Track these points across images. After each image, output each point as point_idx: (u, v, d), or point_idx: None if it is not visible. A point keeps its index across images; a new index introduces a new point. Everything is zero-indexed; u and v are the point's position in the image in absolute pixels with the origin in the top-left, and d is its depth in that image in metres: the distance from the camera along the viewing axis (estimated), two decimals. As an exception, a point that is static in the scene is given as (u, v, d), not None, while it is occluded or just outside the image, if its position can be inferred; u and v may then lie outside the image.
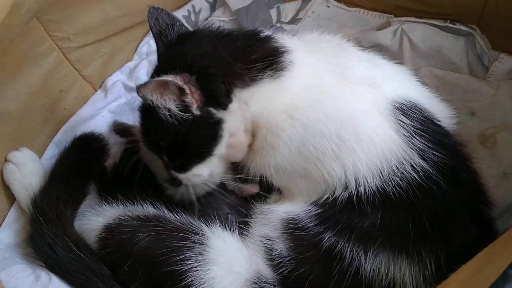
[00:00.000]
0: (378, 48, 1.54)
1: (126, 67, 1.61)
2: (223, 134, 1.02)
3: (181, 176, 1.07)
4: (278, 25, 1.67)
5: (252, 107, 1.00)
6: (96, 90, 1.55)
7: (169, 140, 1.04)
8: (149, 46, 1.67)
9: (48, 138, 1.39)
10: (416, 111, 0.99)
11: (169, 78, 0.93)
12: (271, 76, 0.99)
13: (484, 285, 0.57)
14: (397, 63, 1.14)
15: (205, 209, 1.10)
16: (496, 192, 1.10)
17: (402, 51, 1.51)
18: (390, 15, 1.63)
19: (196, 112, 0.99)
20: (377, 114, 0.97)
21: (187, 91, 0.96)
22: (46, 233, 1.04)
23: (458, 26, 1.48)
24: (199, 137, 1.02)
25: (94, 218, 1.07)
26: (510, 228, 0.97)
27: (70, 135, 1.38)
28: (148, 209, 1.05)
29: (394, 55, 1.50)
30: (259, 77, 0.99)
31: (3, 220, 1.21)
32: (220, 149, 1.03)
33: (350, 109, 0.97)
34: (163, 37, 1.10)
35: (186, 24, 1.15)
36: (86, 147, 1.26)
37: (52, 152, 1.37)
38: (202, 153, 1.03)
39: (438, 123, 1.02)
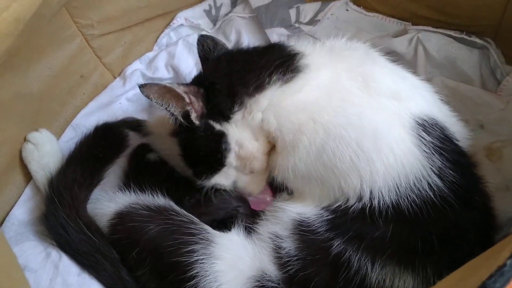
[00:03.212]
0: (393, 54, 1.54)
1: (145, 57, 1.64)
2: (229, 147, 1.08)
3: (204, 185, 1.13)
4: (297, 25, 1.69)
5: (259, 114, 1.03)
6: (115, 78, 1.59)
7: (184, 147, 1.13)
8: (169, 37, 1.71)
9: (66, 121, 1.43)
10: (437, 129, 1.00)
11: (171, 85, 1.01)
12: (279, 79, 1.01)
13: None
14: (411, 71, 1.14)
15: (213, 205, 1.13)
16: (498, 205, 1.10)
17: (416, 59, 1.52)
18: (408, 22, 1.63)
19: (196, 121, 1.06)
20: (400, 127, 0.97)
21: (187, 100, 1.03)
22: (60, 214, 1.08)
23: (474, 39, 1.49)
24: (204, 146, 1.09)
25: (107, 203, 1.11)
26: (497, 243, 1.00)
27: (87, 120, 1.44)
28: (158, 201, 1.09)
29: (408, 63, 1.52)
30: (266, 82, 1.02)
31: (19, 197, 1.25)
32: (230, 161, 1.10)
33: (373, 119, 0.97)
34: (206, 60, 1.19)
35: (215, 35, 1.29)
36: (107, 135, 1.31)
37: (69, 135, 1.41)
38: (213, 163, 1.10)
39: (457, 142, 1.03)
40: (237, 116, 1.05)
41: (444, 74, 1.50)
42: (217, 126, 1.07)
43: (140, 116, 1.52)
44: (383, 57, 1.12)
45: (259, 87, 1.02)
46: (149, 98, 1.03)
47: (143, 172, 1.24)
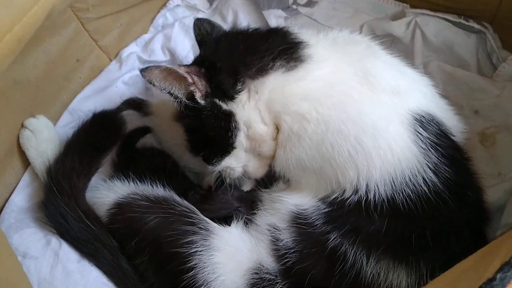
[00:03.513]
0: (390, 38, 1.55)
1: (141, 39, 1.63)
2: (238, 127, 1.06)
3: (215, 169, 1.13)
4: (294, 7, 1.67)
5: (265, 95, 1.03)
6: (111, 60, 1.58)
7: (191, 131, 1.11)
8: (165, 18, 1.69)
9: (63, 106, 1.42)
10: (434, 125, 1.01)
11: (172, 67, 1.00)
12: (283, 66, 1.01)
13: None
14: (410, 63, 1.14)
15: (215, 204, 1.14)
16: (490, 192, 1.13)
17: (413, 43, 1.51)
18: (406, 4, 1.62)
19: (201, 101, 1.04)
20: (398, 123, 0.98)
21: (189, 80, 1.01)
22: (59, 203, 1.09)
23: (471, 24, 1.48)
24: (213, 128, 1.06)
25: (106, 192, 1.13)
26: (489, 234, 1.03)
27: (84, 104, 1.44)
28: (158, 191, 1.10)
29: (405, 47, 1.53)
30: (269, 66, 1.01)
31: (18, 183, 1.25)
32: (240, 141, 1.08)
33: (373, 115, 0.98)
34: (203, 44, 1.17)
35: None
36: (104, 123, 1.31)
37: (66, 120, 1.41)
38: (222, 145, 1.08)
39: (452, 138, 1.04)
40: (242, 97, 1.04)
41: (441, 59, 1.50)
42: (224, 105, 1.05)
43: (137, 99, 1.52)
44: (384, 50, 1.12)
45: (262, 70, 1.02)
46: (151, 83, 1.02)
47: (135, 162, 1.25)
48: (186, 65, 1.05)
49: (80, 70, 1.47)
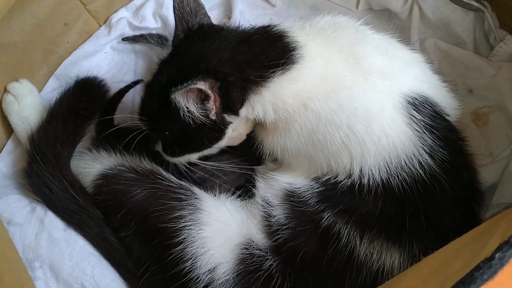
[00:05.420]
0: (386, 12, 1.52)
1: (132, 5, 1.57)
2: (227, 132, 1.06)
3: (170, 160, 1.11)
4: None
5: (259, 106, 1.02)
6: (100, 26, 1.53)
7: (173, 132, 1.05)
8: (156, -18, 1.63)
9: (50, 71, 1.39)
10: (428, 106, 1.00)
11: (200, 86, 0.94)
12: (279, 75, 0.99)
13: (450, 279, 0.58)
14: (401, 39, 1.12)
15: (204, 175, 1.13)
16: (481, 172, 1.12)
17: (410, 19, 1.49)
18: (404, -21, 1.59)
19: (213, 117, 1.01)
20: (392, 107, 0.97)
21: (212, 98, 0.98)
22: (43, 172, 1.07)
23: (470, 1, 1.45)
24: (207, 137, 1.05)
25: (92, 163, 1.11)
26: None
27: (71, 69, 1.41)
28: (145, 164, 1.08)
29: (402, 22, 1.50)
30: (269, 80, 0.99)
31: (1, 150, 1.24)
32: (221, 144, 1.09)
33: (365, 101, 0.97)
34: (184, 22, 1.09)
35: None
36: (87, 90, 1.27)
37: (53, 85, 1.39)
38: (201, 147, 1.08)
39: (447, 118, 1.03)
40: (243, 110, 1.03)
41: (437, 36, 1.48)
42: (227, 119, 1.04)
43: (126, 65, 1.49)
44: (373, 33, 1.09)
45: (263, 83, 1.00)
46: (176, 101, 0.97)
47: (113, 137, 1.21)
48: (206, 80, 0.95)
49: (68, 35, 1.42)
